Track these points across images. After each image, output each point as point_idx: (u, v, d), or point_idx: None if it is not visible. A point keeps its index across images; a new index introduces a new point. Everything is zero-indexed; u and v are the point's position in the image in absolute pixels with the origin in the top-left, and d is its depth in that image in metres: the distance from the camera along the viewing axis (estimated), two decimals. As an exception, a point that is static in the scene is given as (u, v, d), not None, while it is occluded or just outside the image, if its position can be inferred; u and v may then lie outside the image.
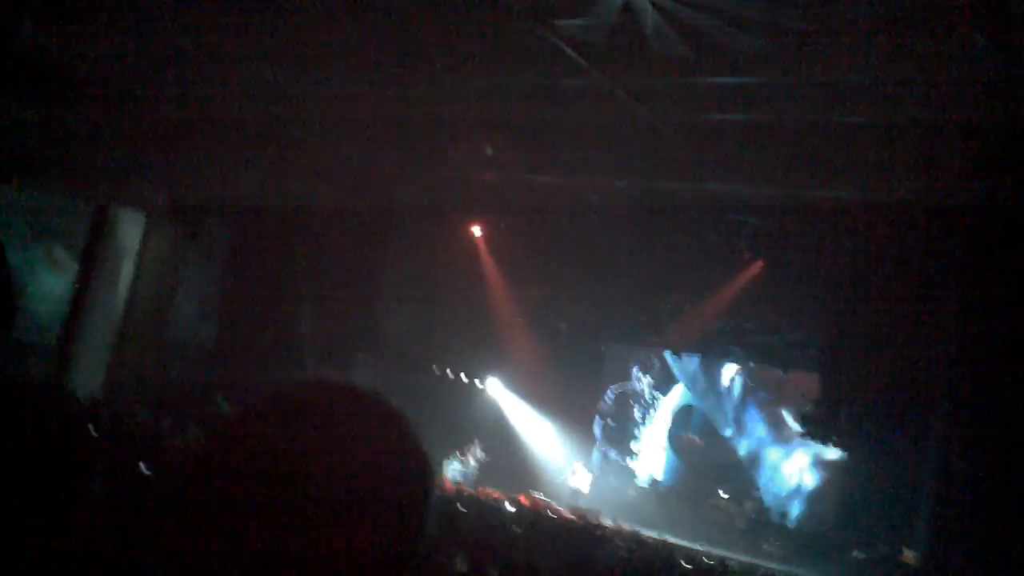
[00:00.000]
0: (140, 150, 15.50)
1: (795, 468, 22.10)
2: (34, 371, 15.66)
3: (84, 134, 14.93)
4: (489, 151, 16.10)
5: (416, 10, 11.55)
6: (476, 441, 21.60)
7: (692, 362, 23.66)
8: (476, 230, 21.30)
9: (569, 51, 11.82)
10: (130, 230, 17.43)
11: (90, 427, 9.58)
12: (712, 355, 22.89)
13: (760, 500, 21.52)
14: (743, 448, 22.90)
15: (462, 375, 23.00)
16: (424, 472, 1.02)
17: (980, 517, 16.68)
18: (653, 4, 9.81)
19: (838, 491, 19.97)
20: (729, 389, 23.40)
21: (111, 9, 12.45)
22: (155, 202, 17.46)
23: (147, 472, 7.08)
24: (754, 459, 22.74)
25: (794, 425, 21.39)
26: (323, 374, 19.25)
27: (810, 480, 21.76)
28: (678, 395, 23.90)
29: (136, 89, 14.61)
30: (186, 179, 17.16)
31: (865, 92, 11.86)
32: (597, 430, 24.10)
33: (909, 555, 17.78)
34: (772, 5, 9.82)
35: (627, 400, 24.15)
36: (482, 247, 21.56)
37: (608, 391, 24.34)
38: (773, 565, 16.16)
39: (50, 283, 17.11)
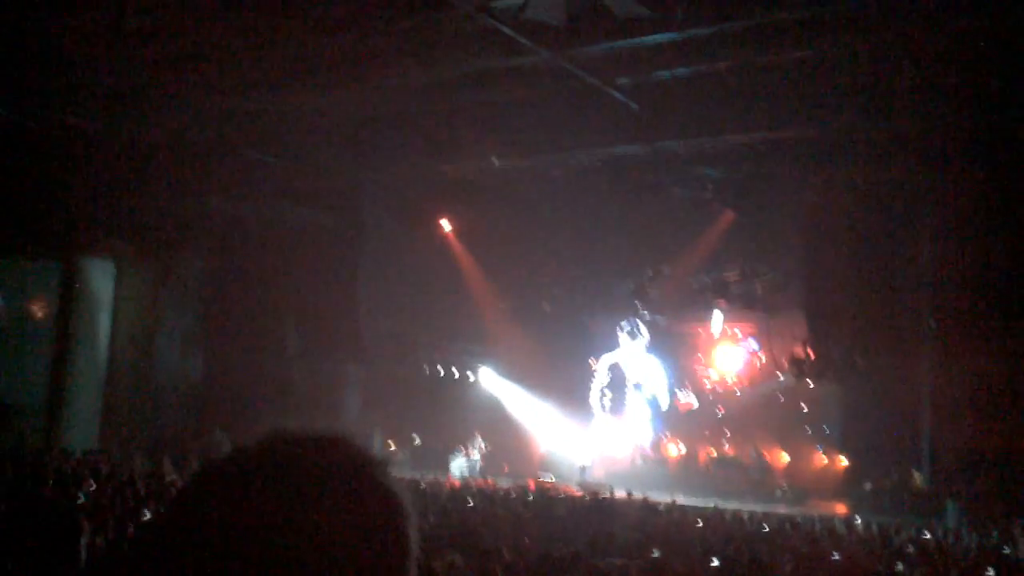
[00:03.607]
0: (99, 197, 15.34)
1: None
2: (25, 432, 15.51)
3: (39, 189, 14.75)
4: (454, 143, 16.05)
5: (358, 16, 11.55)
6: (476, 434, 21.58)
7: (675, 322, 23.50)
8: (445, 224, 21.20)
9: (506, 30, 11.77)
10: (101, 281, 17.31)
11: (90, 480, 9.53)
12: (696, 311, 22.81)
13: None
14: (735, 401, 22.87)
15: (453, 370, 22.90)
16: (396, 524, 0.94)
17: (973, 430, 16.85)
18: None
19: (840, 427, 19.96)
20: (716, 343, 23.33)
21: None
22: (123, 248, 17.32)
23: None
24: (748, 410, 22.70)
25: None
26: (310, 403, 18.93)
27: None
28: (665, 357, 23.79)
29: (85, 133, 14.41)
30: (150, 219, 17.02)
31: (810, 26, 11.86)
32: (595, 403, 23.98)
33: (918, 477, 17.90)
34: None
35: (619, 369, 24.05)
36: (454, 240, 21.46)
37: (600, 363, 24.21)
38: (788, 510, 16.17)
39: (30, 344, 16.97)
